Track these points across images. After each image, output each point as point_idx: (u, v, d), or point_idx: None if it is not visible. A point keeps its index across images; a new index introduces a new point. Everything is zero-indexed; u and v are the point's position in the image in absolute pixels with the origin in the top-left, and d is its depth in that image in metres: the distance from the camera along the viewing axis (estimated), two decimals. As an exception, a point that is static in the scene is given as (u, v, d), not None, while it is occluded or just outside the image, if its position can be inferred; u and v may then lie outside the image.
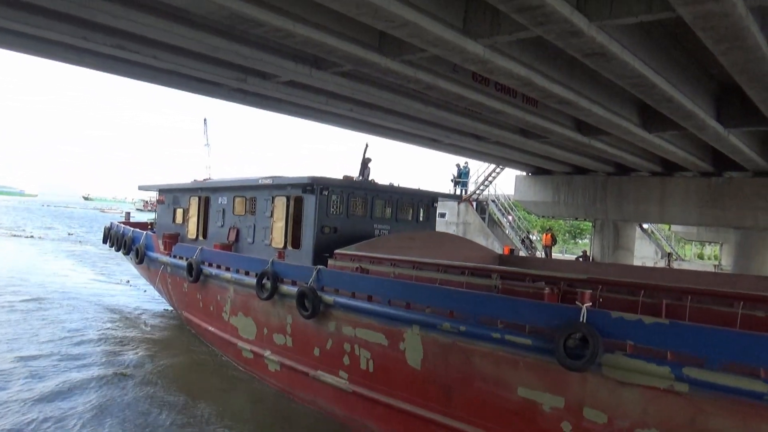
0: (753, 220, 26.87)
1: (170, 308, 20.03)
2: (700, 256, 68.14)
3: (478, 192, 40.75)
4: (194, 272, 14.35)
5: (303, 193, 14.31)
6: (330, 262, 12.61)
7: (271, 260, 11.72)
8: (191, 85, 17.78)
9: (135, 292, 24.42)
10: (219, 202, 17.62)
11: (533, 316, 7.32)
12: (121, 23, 12.03)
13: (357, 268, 11.08)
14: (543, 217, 48.03)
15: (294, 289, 10.67)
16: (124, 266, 30.64)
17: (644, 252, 47.95)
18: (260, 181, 15.70)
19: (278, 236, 14.86)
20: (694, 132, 18.86)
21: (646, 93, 14.67)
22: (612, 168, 31.29)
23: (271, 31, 11.38)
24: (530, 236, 43.78)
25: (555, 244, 39.47)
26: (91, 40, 13.15)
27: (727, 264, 37.32)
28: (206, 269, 14.21)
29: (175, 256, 16.54)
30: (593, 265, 22.49)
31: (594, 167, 31.32)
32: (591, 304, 7.04)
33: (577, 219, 39.26)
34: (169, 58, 14.58)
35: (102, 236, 24.11)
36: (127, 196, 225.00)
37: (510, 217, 42.34)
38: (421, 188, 18.13)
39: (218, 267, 13.75)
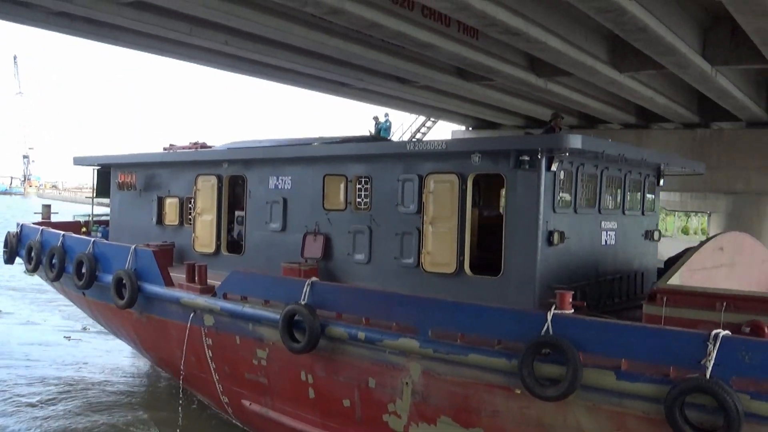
0: (745, 182, 28.74)
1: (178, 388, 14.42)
2: (685, 231, 72.11)
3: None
4: (311, 332, 10.20)
5: (513, 166, 10.68)
6: (649, 309, 8.98)
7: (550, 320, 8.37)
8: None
9: (114, 357, 19.13)
10: (274, 186, 13.92)
11: None
12: None
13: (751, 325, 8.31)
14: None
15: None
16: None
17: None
18: (406, 147, 12.31)
19: (443, 249, 11.41)
20: (675, 71, 19.78)
21: (614, 21, 15.14)
22: (576, 119, 32.46)
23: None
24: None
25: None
26: None
27: (715, 239, 39.63)
28: (336, 327, 10.28)
29: (240, 299, 11.79)
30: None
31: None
32: None
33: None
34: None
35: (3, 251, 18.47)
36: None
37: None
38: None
39: (374, 322, 10.07)
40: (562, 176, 10.89)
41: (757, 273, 12.42)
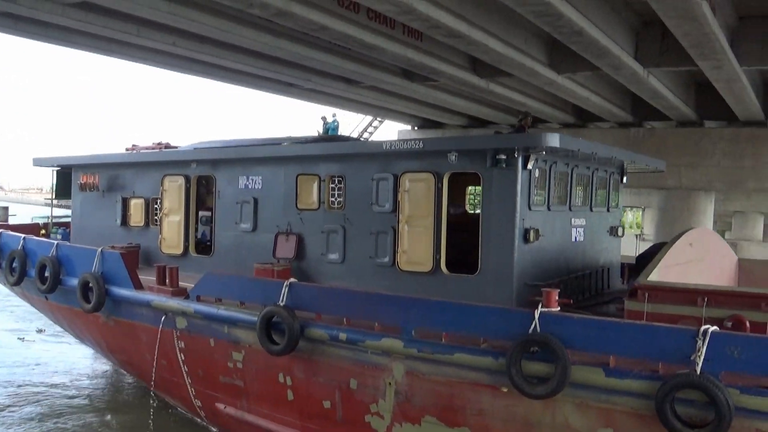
0: (676, 178, 29.83)
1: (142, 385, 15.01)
2: (621, 224, 73.86)
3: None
4: (290, 334, 10.07)
5: (490, 165, 10.70)
6: (630, 305, 9.08)
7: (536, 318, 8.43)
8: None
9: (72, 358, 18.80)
10: (244, 185, 13.70)
11: None
12: None
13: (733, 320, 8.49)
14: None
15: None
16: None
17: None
18: (381, 146, 11.86)
19: (419, 248, 11.38)
20: (610, 72, 20.50)
21: (552, 24, 15.68)
22: (516, 119, 33.07)
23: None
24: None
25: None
26: None
27: (649, 232, 40.96)
28: (317, 328, 10.18)
29: (214, 301, 11.57)
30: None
31: (495, 118, 33.03)
32: None
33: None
34: None
35: None
36: None
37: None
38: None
39: (353, 322, 10.03)
40: (536, 174, 11.00)
41: (720, 267, 13.02)
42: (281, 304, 10.19)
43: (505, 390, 8.47)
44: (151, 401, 13.38)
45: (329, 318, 10.12)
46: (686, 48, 17.44)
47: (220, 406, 12.15)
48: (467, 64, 22.36)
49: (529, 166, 10.67)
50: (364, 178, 11.99)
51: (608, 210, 13.81)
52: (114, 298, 13.02)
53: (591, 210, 13.01)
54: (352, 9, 16.33)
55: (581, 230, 12.73)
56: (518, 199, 10.59)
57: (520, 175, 10.59)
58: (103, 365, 17.47)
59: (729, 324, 8.16)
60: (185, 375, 12.57)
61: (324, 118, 39.58)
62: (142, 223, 15.58)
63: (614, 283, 14.01)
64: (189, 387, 12.65)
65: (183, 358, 12.41)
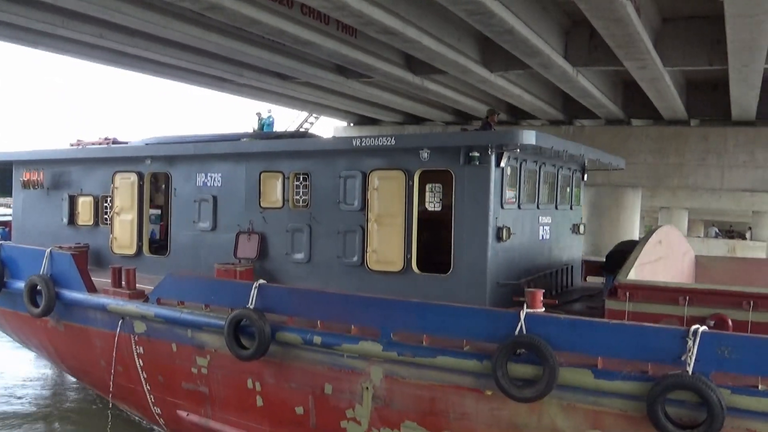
0: (605, 175, 30.40)
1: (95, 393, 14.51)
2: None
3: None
4: (261, 338, 9.71)
5: (463, 162, 10.47)
6: (612, 304, 9.03)
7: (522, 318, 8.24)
8: None
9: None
10: (203, 183, 13.14)
11: None
12: None
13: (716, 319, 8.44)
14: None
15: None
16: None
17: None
18: (356, 141, 11.25)
19: (389, 247, 11.08)
20: (540, 71, 20.72)
21: (483, 23, 15.70)
22: (451, 116, 33.33)
23: None
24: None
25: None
26: None
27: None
28: (289, 332, 9.87)
29: (177, 304, 11.22)
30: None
31: (430, 115, 33.13)
32: None
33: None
34: None
35: None
36: None
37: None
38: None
39: (324, 324, 9.76)
40: (508, 172, 10.78)
41: (681, 264, 13.06)
42: (250, 307, 9.82)
43: (489, 393, 8.33)
44: (106, 410, 12.83)
45: (301, 321, 9.78)
46: (613, 48, 17.72)
47: (183, 413, 11.64)
48: (402, 61, 22.31)
49: (502, 164, 10.48)
50: (331, 175, 11.64)
51: (571, 208, 13.73)
52: (65, 302, 12.36)
53: (556, 208, 12.91)
54: (285, 4, 16.06)
55: (547, 228, 12.61)
56: (491, 197, 10.39)
57: (494, 172, 10.39)
58: (50, 371, 16.82)
59: (711, 323, 8.08)
60: (144, 382, 12.00)
61: (259, 114, 39.12)
62: (91, 222, 14.80)
63: (576, 280, 14.02)
64: (148, 394, 12.13)
65: (141, 364, 11.84)
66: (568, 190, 13.59)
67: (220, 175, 12.92)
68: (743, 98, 23.22)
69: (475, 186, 10.45)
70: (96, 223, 14.74)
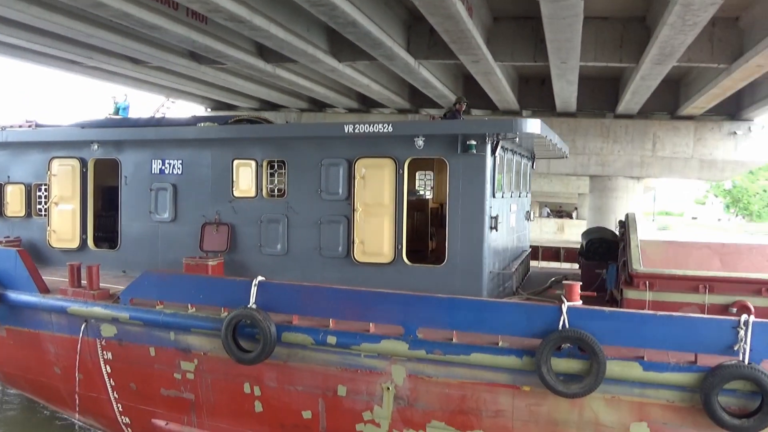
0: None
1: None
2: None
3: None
4: (266, 340, 8.88)
5: (460, 151, 9.98)
6: (630, 294, 8.93)
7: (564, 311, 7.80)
8: None
9: None
10: (159, 170, 11.99)
11: None
12: None
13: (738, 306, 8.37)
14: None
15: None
16: None
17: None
18: (345, 128, 10.44)
19: (378, 238, 10.48)
20: (385, 62, 21.43)
21: (328, 14, 16.10)
22: (305, 103, 33.58)
23: None
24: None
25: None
26: None
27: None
28: (298, 332, 9.09)
29: (156, 304, 10.09)
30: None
31: (286, 102, 33.18)
32: None
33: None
34: None
35: None
36: None
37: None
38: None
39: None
40: (497, 161, 10.41)
41: None
42: (253, 306, 8.95)
43: (527, 389, 7.99)
44: (53, 420, 11.71)
45: (309, 320, 9.02)
46: (448, 43, 18.62)
47: (160, 422, 10.56)
48: (254, 48, 22.32)
49: (497, 152, 10.21)
50: (310, 163, 10.87)
51: (526, 195, 13.77)
52: (11, 304, 10.96)
53: (519, 196, 12.84)
54: (130, -13, 15.66)
55: (514, 216, 12.53)
56: (487, 185, 10.06)
57: (489, 161, 10.08)
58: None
59: (734, 310, 8.15)
60: (110, 389, 10.79)
61: (114, 98, 37.48)
62: (22, 213, 13.35)
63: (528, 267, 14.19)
64: (114, 403, 10.95)
65: (109, 370, 10.62)
66: (526, 177, 13.66)
67: (180, 161, 11.85)
68: (563, 92, 25.09)
69: (471, 174, 10.10)
70: (28, 214, 13.37)
